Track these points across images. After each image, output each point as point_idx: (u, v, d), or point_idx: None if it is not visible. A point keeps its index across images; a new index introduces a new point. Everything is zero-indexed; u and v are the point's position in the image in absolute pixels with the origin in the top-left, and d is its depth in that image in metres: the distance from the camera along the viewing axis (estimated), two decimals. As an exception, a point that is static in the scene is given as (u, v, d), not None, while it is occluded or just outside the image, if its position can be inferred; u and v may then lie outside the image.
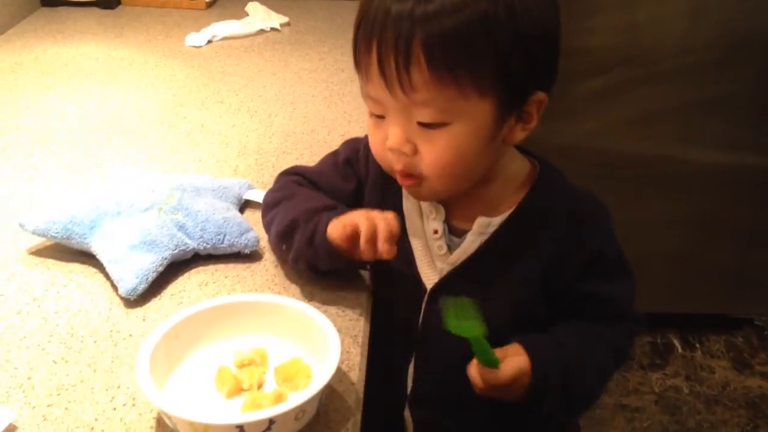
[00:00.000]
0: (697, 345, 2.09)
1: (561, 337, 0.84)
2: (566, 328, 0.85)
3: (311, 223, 0.84)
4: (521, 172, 0.84)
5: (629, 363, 2.01)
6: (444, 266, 0.85)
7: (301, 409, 0.67)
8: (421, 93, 0.71)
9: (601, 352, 0.86)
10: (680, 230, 2.00)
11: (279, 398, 0.71)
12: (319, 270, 0.88)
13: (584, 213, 0.84)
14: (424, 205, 0.85)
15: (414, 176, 0.78)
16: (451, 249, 0.84)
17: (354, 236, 0.79)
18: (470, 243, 0.83)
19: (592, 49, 1.78)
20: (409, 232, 0.86)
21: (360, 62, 0.75)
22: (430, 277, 0.86)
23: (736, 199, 1.97)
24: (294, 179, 0.95)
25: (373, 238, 0.78)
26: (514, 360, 0.79)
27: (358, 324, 0.84)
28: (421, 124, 0.73)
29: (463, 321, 0.73)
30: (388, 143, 0.76)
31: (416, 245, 0.86)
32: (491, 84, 0.71)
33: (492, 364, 0.77)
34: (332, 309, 0.86)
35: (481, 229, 0.83)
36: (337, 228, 0.81)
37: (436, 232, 0.84)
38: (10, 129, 1.26)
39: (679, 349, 2.08)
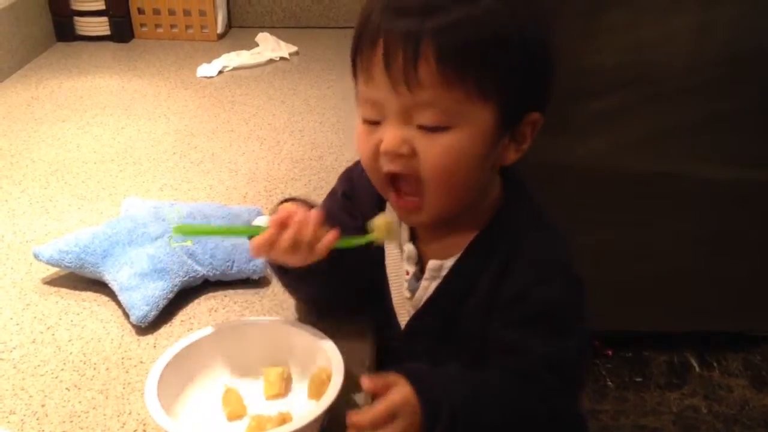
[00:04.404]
0: (715, 364, 2.07)
1: (451, 370, 0.74)
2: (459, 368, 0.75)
3: None
4: (488, 199, 0.81)
5: (646, 383, 2.00)
6: (410, 309, 0.84)
7: (305, 432, 0.68)
8: (427, 91, 0.69)
9: (497, 398, 0.72)
10: (696, 248, 1.99)
11: (283, 421, 0.72)
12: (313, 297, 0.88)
13: (524, 251, 0.77)
14: (404, 244, 0.84)
15: (413, 188, 0.75)
16: (413, 292, 0.83)
17: (283, 222, 0.74)
18: (424, 289, 0.82)
19: (600, 69, 1.79)
20: (388, 271, 0.86)
21: (361, 62, 0.73)
22: (403, 318, 0.85)
23: (751, 215, 1.96)
24: None
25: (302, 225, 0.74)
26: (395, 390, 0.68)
27: (364, 348, 0.85)
28: (421, 127, 0.71)
29: None
30: (384, 146, 0.72)
31: (392, 285, 0.85)
32: (495, 89, 0.71)
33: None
34: (339, 333, 0.86)
35: (433, 273, 0.81)
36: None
37: (407, 273, 0.83)
38: (26, 161, 1.30)
39: (697, 368, 2.05)
